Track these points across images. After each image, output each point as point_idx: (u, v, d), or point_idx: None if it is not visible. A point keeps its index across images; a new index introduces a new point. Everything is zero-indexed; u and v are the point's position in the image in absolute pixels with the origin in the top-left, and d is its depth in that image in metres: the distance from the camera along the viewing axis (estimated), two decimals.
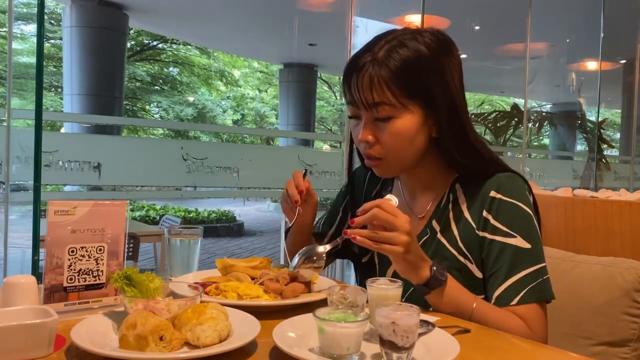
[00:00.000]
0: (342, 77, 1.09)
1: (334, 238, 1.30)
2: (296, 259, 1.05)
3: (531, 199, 1.09)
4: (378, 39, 1.06)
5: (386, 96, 1.01)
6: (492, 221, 1.05)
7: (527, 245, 1.02)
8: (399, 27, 1.11)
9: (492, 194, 1.06)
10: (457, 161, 1.08)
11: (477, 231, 1.06)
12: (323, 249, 1.04)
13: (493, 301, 1.02)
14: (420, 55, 1.02)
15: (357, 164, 1.30)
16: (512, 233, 1.03)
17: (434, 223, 1.11)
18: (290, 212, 1.23)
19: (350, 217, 1.29)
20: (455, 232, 1.08)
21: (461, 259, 1.06)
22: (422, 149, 1.08)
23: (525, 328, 0.99)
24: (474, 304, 0.99)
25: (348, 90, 1.06)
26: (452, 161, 1.10)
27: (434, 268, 0.97)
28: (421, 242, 1.10)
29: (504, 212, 1.05)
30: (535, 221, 1.06)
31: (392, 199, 0.96)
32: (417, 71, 1.02)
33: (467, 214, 1.08)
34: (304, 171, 1.22)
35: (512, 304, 1.00)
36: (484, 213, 1.06)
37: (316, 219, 1.36)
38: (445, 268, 1.01)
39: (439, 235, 1.10)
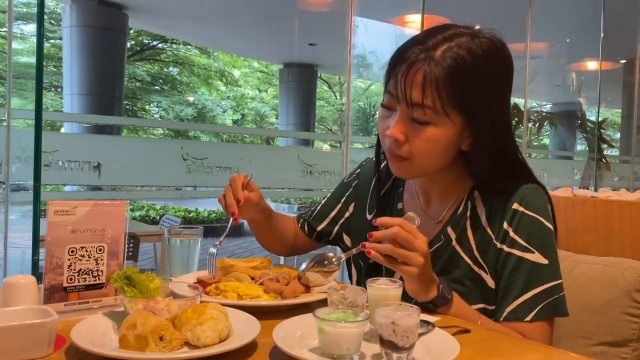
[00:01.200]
0: (388, 64, 1.02)
1: (328, 228, 1.31)
2: (305, 263, 1.04)
3: (550, 209, 1.07)
4: (434, 32, 0.99)
5: (433, 100, 0.95)
6: (512, 234, 1.03)
7: (545, 261, 1.01)
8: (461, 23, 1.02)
9: (515, 206, 1.03)
10: (484, 176, 1.05)
11: (495, 242, 1.04)
12: (335, 256, 1.02)
13: (505, 314, 1.00)
14: (475, 61, 0.96)
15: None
16: (531, 248, 1.01)
17: (449, 230, 1.08)
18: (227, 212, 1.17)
19: (352, 211, 1.28)
20: (472, 242, 1.06)
21: (475, 268, 1.05)
22: (449, 159, 1.04)
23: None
24: (479, 322, 0.99)
25: (393, 80, 0.99)
26: (479, 175, 1.06)
27: (441, 286, 0.97)
28: (434, 247, 1.07)
29: (525, 226, 1.02)
30: (554, 237, 1.05)
31: (415, 219, 0.95)
32: (469, 78, 0.96)
33: (485, 224, 1.06)
34: (248, 177, 1.16)
35: (526, 319, 0.99)
36: (505, 225, 1.03)
37: (298, 214, 1.35)
38: (457, 276, 1.01)
39: (454, 242, 1.07)
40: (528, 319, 0.98)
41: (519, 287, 1.00)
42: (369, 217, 1.24)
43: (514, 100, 10.04)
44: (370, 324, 0.83)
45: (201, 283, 1.05)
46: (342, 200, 1.30)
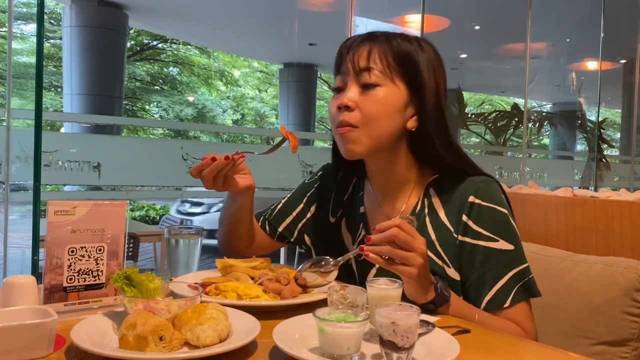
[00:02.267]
0: (336, 59, 1.11)
1: (289, 228, 1.31)
2: (303, 264, 1.05)
3: (504, 198, 1.11)
4: (378, 31, 1.11)
5: (380, 63, 1.05)
6: (473, 226, 1.06)
7: (511, 247, 1.05)
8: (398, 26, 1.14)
9: (471, 199, 1.07)
10: (433, 155, 1.09)
11: (455, 235, 1.08)
12: (333, 260, 1.02)
13: (484, 305, 1.04)
14: (416, 49, 1.08)
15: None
16: (495, 237, 1.05)
17: None
18: (232, 180, 1.13)
19: (313, 211, 1.29)
20: (433, 236, 1.09)
21: (439, 262, 1.07)
22: (397, 132, 1.07)
23: (520, 331, 1.02)
24: (476, 316, 1.00)
25: (341, 60, 1.09)
26: (429, 155, 1.10)
27: (439, 285, 0.98)
28: None
29: (485, 217, 1.06)
30: (513, 223, 1.08)
31: (413, 221, 0.96)
32: (412, 59, 1.07)
33: (444, 218, 1.10)
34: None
35: (505, 306, 1.03)
36: (464, 218, 1.07)
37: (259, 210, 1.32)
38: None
39: None
40: (507, 304, 1.03)
41: (493, 276, 1.04)
42: (332, 220, 1.27)
43: (514, 100, 10.06)
44: (370, 324, 0.83)
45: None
46: (304, 201, 1.32)
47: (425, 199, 1.13)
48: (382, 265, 0.92)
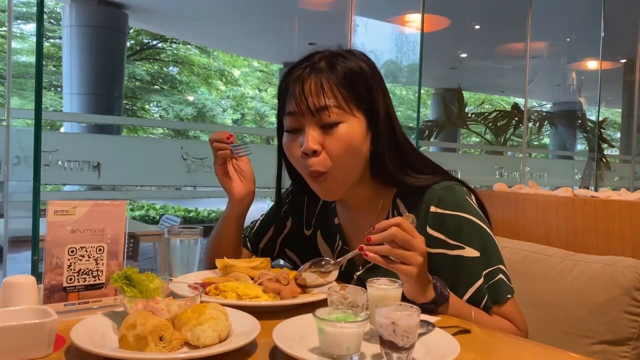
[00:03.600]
0: (278, 91, 1.09)
1: (271, 243, 1.32)
2: (304, 264, 1.05)
3: (473, 200, 1.10)
4: (313, 53, 1.08)
5: (336, 98, 1.02)
6: (438, 235, 1.06)
7: (476, 254, 1.04)
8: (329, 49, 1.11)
9: (433, 209, 1.06)
10: (390, 174, 1.08)
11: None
12: (334, 261, 1.03)
13: None
14: (360, 66, 1.05)
15: (286, 183, 1.27)
16: (460, 245, 1.04)
17: None
18: (229, 180, 1.19)
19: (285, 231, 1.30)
20: None
21: None
22: (364, 162, 1.08)
23: (514, 327, 1.03)
24: (472, 313, 1.01)
25: (291, 99, 1.04)
26: (388, 177, 1.10)
27: (438, 285, 0.98)
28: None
29: (448, 225, 1.05)
30: (482, 225, 1.06)
31: (413, 220, 0.96)
32: (361, 80, 1.04)
33: None
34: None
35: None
36: (428, 229, 1.06)
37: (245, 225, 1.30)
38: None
39: None
40: (480, 307, 1.03)
41: (463, 285, 1.03)
42: (307, 232, 1.28)
43: (515, 99, 10.06)
44: (370, 324, 0.83)
45: None
46: (280, 217, 1.32)
47: (395, 211, 1.12)
48: (381, 264, 0.92)
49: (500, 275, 1.04)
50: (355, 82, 1.04)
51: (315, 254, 1.23)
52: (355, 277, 1.15)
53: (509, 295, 1.04)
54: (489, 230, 1.07)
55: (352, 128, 1.03)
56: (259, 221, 1.36)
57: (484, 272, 1.04)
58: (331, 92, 1.02)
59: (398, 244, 0.90)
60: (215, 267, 1.15)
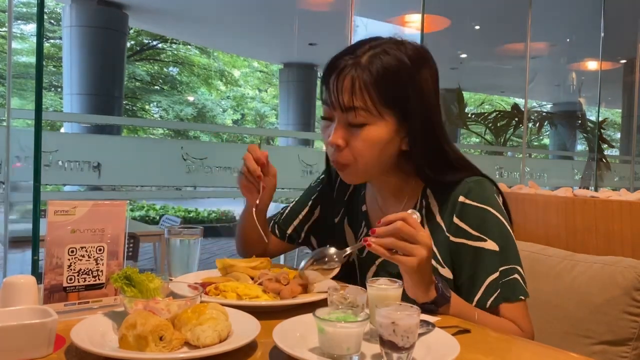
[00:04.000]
0: (322, 75, 1.09)
1: (297, 230, 1.34)
2: (305, 261, 1.05)
3: (500, 200, 1.12)
4: (362, 43, 1.06)
5: (364, 101, 1.02)
6: (463, 226, 1.07)
7: (496, 248, 1.05)
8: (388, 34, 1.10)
9: (461, 199, 1.08)
10: (427, 173, 1.09)
11: (447, 234, 1.08)
12: (335, 251, 1.03)
13: (473, 305, 1.04)
14: (401, 64, 1.03)
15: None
16: (483, 237, 1.06)
17: None
18: (252, 192, 1.20)
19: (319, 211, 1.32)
20: None
21: (434, 262, 1.07)
22: (390, 160, 1.09)
23: (518, 330, 1.03)
24: (476, 315, 1.01)
25: (326, 90, 1.06)
26: (422, 173, 1.10)
27: (440, 285, 0.98)
28: None
29: (473, 216, 1.07)
30: (505, 223, 1.08)
31: (414, 214, 0.96)
32: (397, 80, 1.03)
33: (439, 219, 1.11)
34: (258, 143, 1.21)
35: (486, 307, 1.03)
36: (455, 219, 1.08)
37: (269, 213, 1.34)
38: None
39: None
40: (487, 305, 1.03)
41: (480, 277, 1.04)
42: (335, 220, 1.29)
43: (514, 100, 10.06)
44: (370, 324, 0.83)
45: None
46: (309, 204, 1.35)
47: (423, 200, 1.13)
48: (384, 256, 0.92)
49: (516, 275, 1.05)
50: (391, 81, 1.02)
51: (340, 242, 1.24)
52: (376, 263, 1.15)
53: (522, 297, 1.04)
54: (510, 231, 1.08)
55: (378, 131, 1.03)
56: (288, 208, 1.39)
57: (501, 268, 1.04)
58: (361, 94, 1.01)
59: (403, 237, 0.91)
60: (248, 255, 1.19)
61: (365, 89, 1.01)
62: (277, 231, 1.37)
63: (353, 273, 1.20)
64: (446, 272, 1.08)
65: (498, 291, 1.03)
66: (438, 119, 1.09)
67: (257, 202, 1.19)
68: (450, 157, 1.10)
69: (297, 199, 1.39)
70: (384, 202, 1.19)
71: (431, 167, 1.08)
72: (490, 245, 1.05)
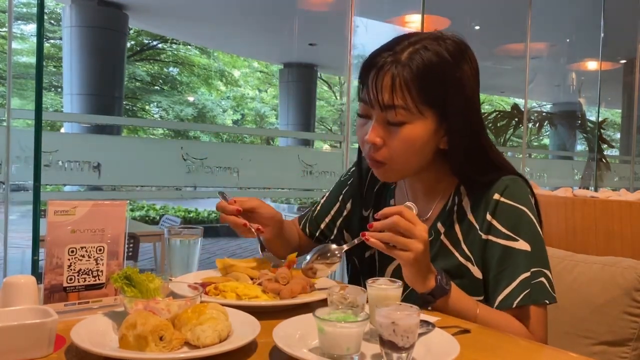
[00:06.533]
0: (359, 72, 1.06)
1: (329, 226, 1.33)
2: (309, 256, 1.06)
3: (533, 201, 1.10)
4: (400, 39, 1.04)
5: (404, 99, 0.99)
6: (496, 224, 1.05)
7: (528, 248, 1.03)
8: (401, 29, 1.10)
9: (496, 197, 1.06)
10: (465, 172, 1.08)
11: (480, 232, 1.07)
12: (337, 247, 1.04)
13: (497, 304, 1.02)
14: (442, 60, 1.00)
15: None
16: (514, 236, 1.04)
17: (439, 225, 1.11)
18: (249, 233, 1.17)
19: (356, 212, 1.29)
20: (459, 235, 1.09)
21: (463, 260, 1.07)
22: (428, 158, 1.07)
23: (525, 331, 1.00)
24: (477, 311, 1.00)
25: (365, 88, 1.04)
26: (459, 171, 1.09)
27: (439, 277, 0.98)
28: None
29: (507, 215, 1.05)
30: (537, 225, 1.06)
31: (412, 208, 0.96)
32: (438, 77, 1.00)
33: (471, 216, 1.09)
34: (221, 196, 1.18)
35: (513, 307, 1.01)
36: (488, 216, 1.06)
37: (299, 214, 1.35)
38: (446, 269, 1.02)
39: (442, 237, 1.10)
40: (514, 305, 1.01)
41: (507, 276, 1.02)
42: (365, 213, 1.27)
43: (514, 100, 10.06)
44: (370, 324, 0.83)
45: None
46: (340, 199, 1.33)
47: (456, 197, 1.12)
48: (382, 250, 0.93)
49: (543, 279, 1.02)
50: (431, 78, 0.99)
51: None
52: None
53: (547, 301, 1.02)
54: (541, 234, 1.07)
55: (417, 130, 1.01)
56: (319, 205, 1.36)
57: (532, 269, 1.02)
58: (401, 92, 0.99)
59: (399, 231, 0.91)
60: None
61: (406, 86, 0.99)
62: (307, 230, 1.35)
63: (373, 268, 1.19)
64: (476, 271, 1.06)
65: (528, 290, 1.00)
66: (478, 116, 1.07)
67: (261, 236, 1.19)
68: (489, 155, 1.08)
69: (327, 195, 1.36)
70: (414, 200, 1.16)
71: (471, 166, 1.07)
72: (522, 245, 1.03)
